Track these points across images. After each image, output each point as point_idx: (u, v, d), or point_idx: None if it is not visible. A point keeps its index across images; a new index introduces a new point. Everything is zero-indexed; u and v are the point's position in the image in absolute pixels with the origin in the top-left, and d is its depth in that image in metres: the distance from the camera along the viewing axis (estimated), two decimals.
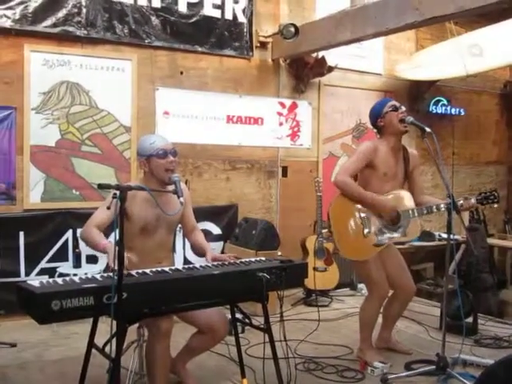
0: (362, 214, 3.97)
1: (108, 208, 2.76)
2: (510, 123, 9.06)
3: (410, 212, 3.97)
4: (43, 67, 5.18)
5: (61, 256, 5.25)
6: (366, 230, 3.96)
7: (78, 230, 5.22)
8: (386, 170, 4.01)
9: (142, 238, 3.30)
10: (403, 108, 4.07)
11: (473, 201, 3.93)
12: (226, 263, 3.33)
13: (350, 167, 3.96)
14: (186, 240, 5.68)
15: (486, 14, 5.35)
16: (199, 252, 3.71)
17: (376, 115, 4.08)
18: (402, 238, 4.10)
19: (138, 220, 3.27)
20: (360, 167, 3.98)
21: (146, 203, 3.29)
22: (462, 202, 3.93)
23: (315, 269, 5.70)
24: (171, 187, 3.29)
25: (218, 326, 3.41)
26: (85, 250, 5.16)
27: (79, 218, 5.20)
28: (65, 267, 5.13)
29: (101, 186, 2.76)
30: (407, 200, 4.06)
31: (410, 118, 3.95)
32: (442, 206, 3.92)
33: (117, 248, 2.62)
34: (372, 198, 3.94)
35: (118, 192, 2.65)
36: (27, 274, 5.10)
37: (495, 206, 4.01)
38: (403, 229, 4.01)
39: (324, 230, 5.62)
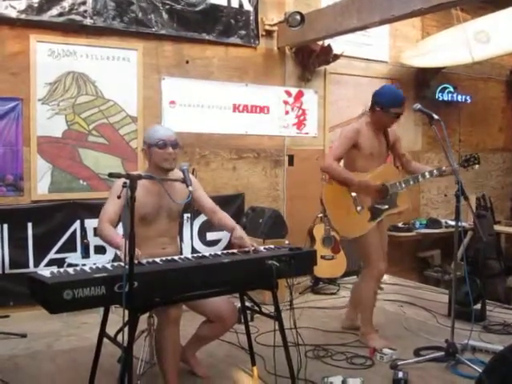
0: (353, 194, 4.11)
1: (118, 197, 2.76)
2: None
3: (398, 184, 4.15)
4: (49, 58, 5.17)
5: (69, 247, 5.26)
6: (358, 208, 4.11)
7: (86, 221, 5.27)
8: (371, 150, 4.17)
9: (142, 227, 3.30)
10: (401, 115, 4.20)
11: (455, 165, 3.96)
12: (236, 251, 3.33)
13: (336, 151, 4.14)
14: (194, 229, 5.78)
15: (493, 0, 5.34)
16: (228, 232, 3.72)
17: (381, 103, 4.11)
18: (395, 209, 4.23)
19: (138, 209, 3.26)
20: (345, 149, 4.13)
21: (146, 193, 3.30)
22: (444, 168, 4.12)
23: (323, 257, 5.71)
24: (179, 175, 3.29)
25: (226, 314, 3.43)
26: (93, 240, 5.17)
27: (87, 208, 5.24)
28: (73, 258, 5.15)
29: (111, 175, 2.76)
30: (393, 173, 4.24)
31: (418, 106, 3.95)
32: (427, 174, 4.14)
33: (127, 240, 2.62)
34: (356, 182, 4.06)
35: (127, 181, 2.65)
36: (36, 265, 5.12)
37: (476, 167, 4.12)
38: (393, 201, 4.18)
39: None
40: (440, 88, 7.81)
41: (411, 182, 4.15)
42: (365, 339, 4.25)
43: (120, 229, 3.49)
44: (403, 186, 4.14)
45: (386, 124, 4.19)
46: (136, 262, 2.75)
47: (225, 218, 3.60)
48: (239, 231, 3.44)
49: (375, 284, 4.32)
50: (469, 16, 7.26)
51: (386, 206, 4.15)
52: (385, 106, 4.07)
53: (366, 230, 4.14)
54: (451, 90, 7.89)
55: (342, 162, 4.25)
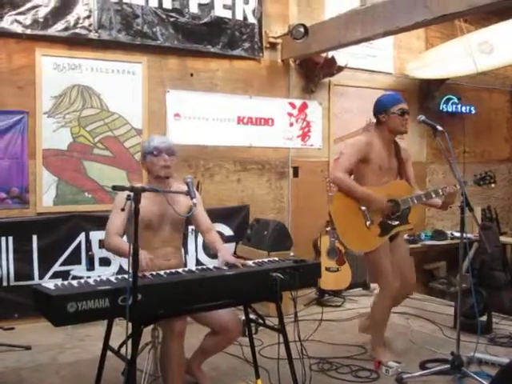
0: (363, 208, 3.95)
1: (123, 210, 2.77)
2: None
3: (409, 199, 4.00)
4: (54, 71, 5.21)
5: (74, 259, 5.27)
6: (368, 222, 3.94)
7: (91, 233, 5.28)
8: (380, 163, 4.01)
9: (146, 236, 3.30)
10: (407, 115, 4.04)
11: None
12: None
13: (344, 163, 3.97)
14: (199, 241, 5.77)
15: (497, 10, 5.33)
16: (214, 253, 3.71)
17: (382, 109, 4.02)
18: (407, 226, 4.10)
19: (143, 216, 3.26)
20: (354, 162, 3.98)
21: (150, 201, 3.30)
22: (448, 187, 3.99)
23: (327, 269, 5.69)
24: (183, 188, 3.30)
25: (231, 326, 3.41)
26: (98, 252, 5.19)
27: (92, 220, 5.25)
28: (78, 270, 5.15)
29: (115, 188, 2.76)
30: (405, 188, 4.10)
31: (422, 117, 3.90)
32: (440, 190, 4.00)
33: (131, 248, 2.63)
34: (366, 195, 3.93)
35: (131, 194, 2.66)
36: (41, 277, 5.12)
37: (492, 186, 4.04)
38: (405, 217, 4.04)
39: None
40: (444, 99, 7.82)
41: (423, 199, 4.02)
42: (375, 353, 4.13)
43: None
44: (415, 201, 4.01)
45: (398, 127, 3.99)
46: (141, 275, 2.76)
47: (215, 239, 3.56)
48: (225, 259, 3.35)
49: (389, 303, 4.12)
50: (472, 27, 7.28)
51: (397, 222, 4.02)
52: (388, 108, 3.97)
53: (375, 245, 3.98)
54: (455, 101, 7.90)
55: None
